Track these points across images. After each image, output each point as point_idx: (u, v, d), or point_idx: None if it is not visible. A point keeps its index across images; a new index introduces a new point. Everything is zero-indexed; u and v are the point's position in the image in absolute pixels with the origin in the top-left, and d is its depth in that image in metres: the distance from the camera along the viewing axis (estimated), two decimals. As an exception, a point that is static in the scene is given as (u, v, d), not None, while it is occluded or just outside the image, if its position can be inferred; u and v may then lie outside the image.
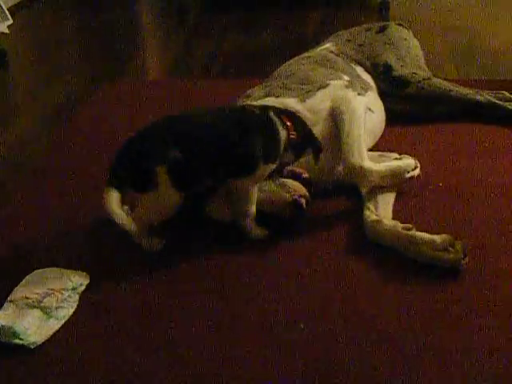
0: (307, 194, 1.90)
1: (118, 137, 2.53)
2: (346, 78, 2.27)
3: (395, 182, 2.00)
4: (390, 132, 2.39)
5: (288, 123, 1.89)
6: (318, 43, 2.70)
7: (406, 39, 2.68)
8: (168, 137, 1.78)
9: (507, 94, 2.58)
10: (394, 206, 1.99)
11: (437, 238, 1.75)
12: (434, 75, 2.63)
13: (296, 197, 1.87)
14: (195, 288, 1.73)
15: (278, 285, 1.72)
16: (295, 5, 4.44)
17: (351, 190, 2.03)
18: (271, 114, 1.89)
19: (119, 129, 2.60)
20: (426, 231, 1.79)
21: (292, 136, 1.88)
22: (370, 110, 2.18)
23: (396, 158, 2.08)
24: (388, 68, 2.53)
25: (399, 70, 2.53)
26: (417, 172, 2.03)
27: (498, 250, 1.82)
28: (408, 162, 2.02)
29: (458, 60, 3.32)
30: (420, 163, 2.02)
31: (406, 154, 2.12)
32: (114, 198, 1.72)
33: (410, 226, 1.82)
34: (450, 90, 2.55)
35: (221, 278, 1.76)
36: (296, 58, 2.51)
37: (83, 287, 1.72)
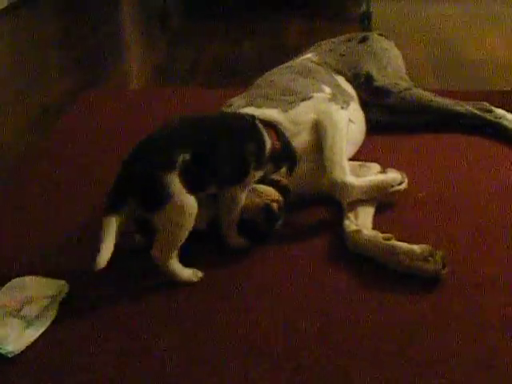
0: (280, 198, 1.89)
1: (99, 144, 2.57)
2: (327, 89, 2.28)
3: (378, 196, 2.01)
4: (370, 142, 2.40)
5: (272, 133, 1.90)
6: (299, 53, 2.71)
7: (387, 49, 2.69)
8: (173, 141, 1.74)
9: (487, 104, 2.60)
10: (375, 215, 1.99)
11: (416, 248, 1.76)
12: (415, 85, 2.65)
13: (268, 201, 1.87)
14: (175, 297, 1.72)
15: (257, 295, 1.72)
16: (277, 14, 4.45)
17: (332, 200, 2.03)
18: (257, 122, 1.89)
19: (100, 136, 2.60)
20: (406, 241, 1.80)
21: (276, 146, 1.89)
22: (350, 120, 2.19)
23: (381, 172, 2.09)
24: (369, 78, 2.54)
25: (380, 80, 2.54)
26: (403, 186, 2.04)
27: (477, 260, 1.83)
28: (393, 176, 2.04)
29: (439, 71, 3.35)
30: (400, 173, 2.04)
31: (386, 163, 2.13)
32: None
33: (390, 235, 1.82)
34: (431, 101, 2.57)
35: (200, 287, 1.76)
36: (277, 67, 2.51)
37: (63, 296, 1.70)
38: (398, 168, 2.09)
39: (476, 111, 2.57)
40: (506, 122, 2.53)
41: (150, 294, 1.74)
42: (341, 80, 2.47)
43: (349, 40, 2.70)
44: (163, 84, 3.36)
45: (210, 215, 1.87)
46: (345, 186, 1.95)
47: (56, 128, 2.78)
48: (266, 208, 1.86)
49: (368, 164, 2.17)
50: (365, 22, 4.24)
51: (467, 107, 2.58)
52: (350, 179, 1.95)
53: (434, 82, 3.16)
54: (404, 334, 1.56)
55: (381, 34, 2.79)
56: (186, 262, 1.77)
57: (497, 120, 2.55)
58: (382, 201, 2.04)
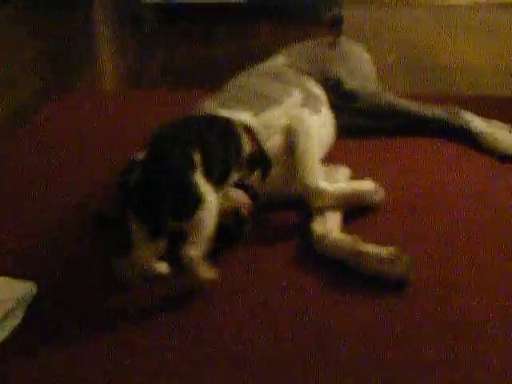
0: (250, 202, 1.90)
1: (69, 145, 2.55)
2: (297, 93, 2.29)
3: (350, 203, 2.02)
4: (339, 145, 2.41)
5: (248, 137, 1.91)
6: (269, 56, 2.71)
7: (357, 53, 2.71)
8: (186, 142, 1.75)
9: (456, 108, 2.61)
10: (343, 219, 2.00)
11: (383, 251, 1.77)
12: (386, 89, 2.66)
13: (237, 205, 1.87)
14: (144, 299, 1.72)
15: (226, 299, 1.72)
16: (248, 17, 4.46)
17: (301, 203, 2.04)
18: (236, 125, 1.90)
19: (71, 137, 2.59)
20: (374, 244, 1.81)
21: (254, 150, 1.90)
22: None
23: (354, 179, 2.10)
24: (339, 82, 2.54)
25: (350, 83, 2.55)
26: (378, 198, 2.06)
27: (444, 263, 1.84)
28: (367, 186, 2.05)
29: (409, 74, 3.37)
30: (367, 175, 2.05)
31: (354, 166, 2.15)
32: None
33: (358, 239, 1.84)
34: (400, 104, 2.59)
35: (170, 291, 1.76)
36: (248, 70, 2.52)
37: (31, 298, 1.70)
38: (367, 171, 2.10)
39: (444, 115, 2.59)
40: (473, 126, 2.55)
41: (119, 295, 1.73)
42: (311, 83, 2.47)
43: (319, 44, 2.71)
44: (135, 86, 3.35)
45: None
46: (318, 192, 1.95)
47: (26, 129, 2.76)
48: (236, 212, 1.86)
49: (337, 167, 2.19)
50: (336, 26, 4.25)
51: (436, 111, 2.60)
52: (323, 185, 1.96)
53: (404, 86, 3.18)
54: (372, 336, 1.58)
55: (351, 39, 2.80)
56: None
57: (465, 124, 2.57)
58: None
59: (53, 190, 2.25)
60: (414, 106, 2.61)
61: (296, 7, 4.61)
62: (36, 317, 1.66)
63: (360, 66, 2.67)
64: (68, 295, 1.74)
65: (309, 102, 2.23)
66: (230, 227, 1.87)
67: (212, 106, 2.16)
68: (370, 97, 2.56)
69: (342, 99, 2.53)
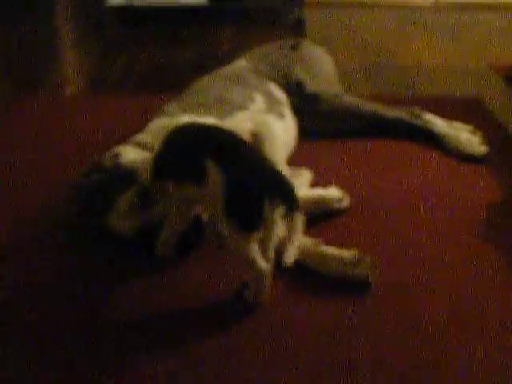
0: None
1: (33, 152, 2.53)
2: (260, 98, 2.30)
3: (316, 210, 2.03)
4: (301, 148, 2.42)
5: None
6: (232, 59, 2.72)
7: (318, 56, 2.72)
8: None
9: (417, 109, 2.64)
10: (305, 222, 2.00)
11: (345, 253, 1.78)
12: (347, 92, 2.67)
13: (198, 212, 1.85)
14: (119, 308, 1.71)
15: (192, 301, 1.72)
16: (210, 21, 4.46)
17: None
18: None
19: (33, 144, 2.57)
20: (336, 247, 1.82)
21: None
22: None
23: (324, 187, 2.10)
24: (300, 85, 2.55)
25: (311, 87, 2.56)
26: (343, 204, 2.08)
27: (405, 264, 1.85)
28: (332, 193, 2.07)
29: (371, 76, 3.39)
30: (330, 178, 2.06)
31: (317, 169, 2.16)
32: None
33: (319, 241, 1.84)
34: (361, 107, 2.60)
35: (129, 295, 1.74)
36: (210, 74, 2.52)
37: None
38: (329, 173, 2.11)
39: (406, 117, 2.61)
40: (435, 128, 2.58)
41: (92, 303, 1.72)
42: (273, 87, 2.48)
43: (280, 47, 2.71)
44: (96, 91, 3.33)
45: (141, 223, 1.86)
46: None
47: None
48: (195, 219, 1.85)
49: (299, 171, 2.19)
50: (298, 29, 4.28)
51: (398, 113, 2.62)
52: None
53: (366, 88, 3.20)
54: (333, 338, 1.58)
55: (312, 41, 2.81)
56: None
57: (426, 125, 2.59)
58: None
59: (11, 194, 2.23)
60: (376, 108, 2.62)
61: (259, 10, 4.63)
62: (13, 324, 1.65)
63: (322, 69, 2.68)
64: (46, 305, 1.72)
65: (273, 107, 2.24)
66: (187, 234, 1.85)
67: (174, 110, 2.15)
68: (331, 99, 2.57)
69: (303, 102, 2.54)
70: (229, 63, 2.67)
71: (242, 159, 1.63)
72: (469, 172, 2.37)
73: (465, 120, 2.65)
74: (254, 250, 1.59)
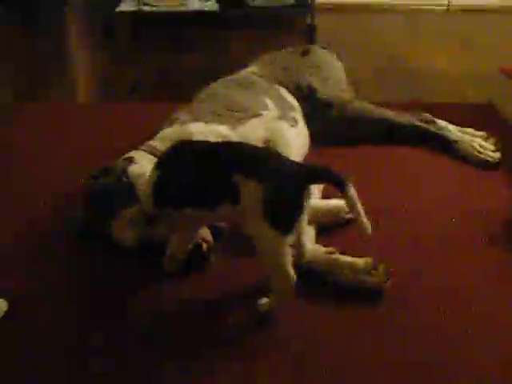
0: (211, 239, 1.86)
1: (42, 159, 2.53)
2: (273, 104, 2.29)
3: (328, 220, 2.02)
4: (313, 154, 2.40)
5: None
6: (243, 65, 2.71)
7: (329, 62, 2.71)
8: None
9: (429, 116, 2.62)
10: (317, 229, 1.99)
11: (359, 261, 1.77)
12: (358, 98, 2.66)
13: (199, 241, 1.83)
14: (116, 324, 1.70)
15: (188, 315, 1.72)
16: (221, 27, 4.45)
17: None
18: None
19: (43, 151, 2.57)
20: (349, 255, 1.81)
21: None
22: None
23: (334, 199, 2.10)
24: (311, 91, 2.54)
25: (322, 92, 2.55)
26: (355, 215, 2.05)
27: (418, 272, 1.85)
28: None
29: (383, 82, 3.38)
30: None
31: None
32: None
33: (333, 249, 1.83)
34: (373, 113, 2.59)
35: (122, 305, 1.75)
36: (220, 80, 2.50)
37: (1, 314, 1.67)
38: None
39: (418, 123, 2.60)
40: (447, 133, 2.56)
41: (87, 316, 1.71)
42: (283, 92, 2.47)
43: (291, 53, 2.70)
44: (106, 97, 3.33)
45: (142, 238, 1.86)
46: None
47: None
48: (196, 247, 1.82)
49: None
50: (310, 35, 4.27)
51: (410, 119, 2.61)
52: None
53: (378, 94, 3.18)
54: (347, 346, 1.58)
55: (323, 47, 2.80)
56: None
57: (438, 131, 2.57)
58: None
59: (17, 202, 2.23)
60: (388, 114, 2.61)
61: (270, 16, 4.62)
62: (6, 335, 1.63)
63: (332, 74, 2.66)
64: (40, 313, 1.71)
65: (286, 113, 2.23)
66: (191, 259, 1.83)
67: (186, 119, 2.14)
68: (343, 105, 2.56)
69: (315, 108, 2.52)
70: (239, 69, 2.66)
71: (268, 164, 1.61)
72: (482, 178, 2.36)
73: (478, 126, 2.63)
74: (289, 254, 1.59)
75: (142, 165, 1.91)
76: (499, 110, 2.96)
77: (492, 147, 2.49)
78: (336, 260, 1.79)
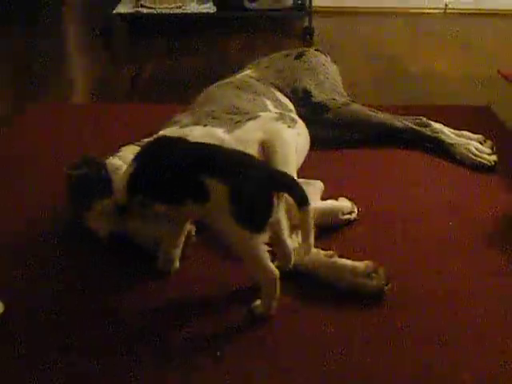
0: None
1: (42, 159, 2.52)
2: (271, 106, 2.29)
3: (326, 221, 2.01)
4: (309, 157, 2.40)
5: None
6: (240, 68, 2.71)
7: (324, 65, 2.71)
8: None
9: (425, 119, 2.62)
10: (317, 233, 1.99)
11: (359, 264, 1.76)
12: (355, 101, 2.65)
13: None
14: (112, 322, 1.69)
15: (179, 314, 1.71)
16: (218, 30, 4.45)
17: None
18: None
19: (40, 151, 2.56)
20: (349, 258, 1.80)
21: None
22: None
23: (335, 199, 2.10)
24: (307, 94, 2.54)
25: (318, 95, 2.55)
26: (353, 216, 2.07)
27: (417, 275, 1.85)
28: (344, 204, 2.06)
29: (379, 85, 3.38)
30: (338, 188, 2.04)
31: (325, 178, 2.15)
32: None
33: (332, 253, 1.82)
34: (369, 116, 2.58)
35: (113, 301, 1.75)
36: (217, 83, 2.51)
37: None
38: (338, 184, 2.09)
39: (414, 126, 2.60)
40: (443, 137, 2.56)
41: (85, 320, 1.70)
42: (279, 95, 2.47)
43: (286, 56, 2.70)
44: (104, 99, 3.32)
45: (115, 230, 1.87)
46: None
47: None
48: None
49: (311, 181, 2.17)
50: (307, 37, 4.27)
51: (405, 122, 2.60)
52: None
53: (375, 96, 3.19)
54: (346, 349, 1.57)
55: (317, 50, 2.80)
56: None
57: (434, 134, 2.57)
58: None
59: (17, 202, 2.23)
60: (383, 117, 2.60)
61: (267, 18, 4.62)
62: (3, 337, 1.63)
63: (327, 77, 2.66)
64: (37, 314, 1.71)
65: (284, 115, 2.22)
66: None
67: (187, 122, 2.14)
68: (339, 108, 2.55)
69: (310, 111, 2.52)
70: (236, 72, 2.66)
71: (236, 166, 1.65)
72: (479, 181, 2.36)
73: (475, 129, 2.63)
74: (264, 251, 1.61)
75: (125, 157, 1.92)
76: (497, 113, 2.96)
77: (488, 150, 2.49)
78: (335, 263, 1.78)
